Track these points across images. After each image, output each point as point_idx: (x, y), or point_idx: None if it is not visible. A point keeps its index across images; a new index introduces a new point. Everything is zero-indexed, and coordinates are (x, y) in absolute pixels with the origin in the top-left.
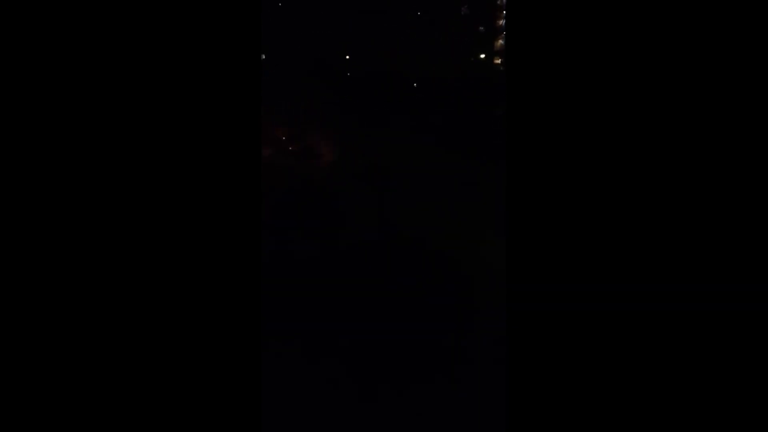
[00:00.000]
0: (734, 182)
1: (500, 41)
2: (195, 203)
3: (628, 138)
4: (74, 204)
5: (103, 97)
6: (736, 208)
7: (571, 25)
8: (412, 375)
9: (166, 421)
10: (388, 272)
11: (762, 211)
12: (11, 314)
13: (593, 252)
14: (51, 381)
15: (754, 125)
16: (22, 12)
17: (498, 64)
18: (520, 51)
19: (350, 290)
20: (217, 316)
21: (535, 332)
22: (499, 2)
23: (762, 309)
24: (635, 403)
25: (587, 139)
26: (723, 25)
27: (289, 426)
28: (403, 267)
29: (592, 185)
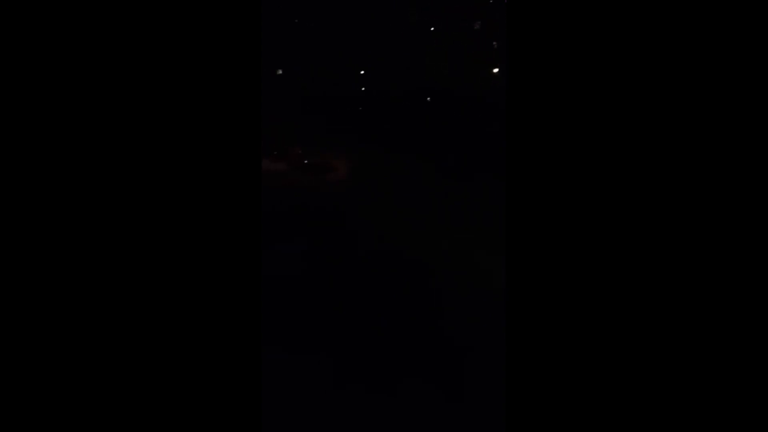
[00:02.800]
0: (735, 192)
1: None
2: (196, 204)
3: (631, 148)
4: (71, 206)
5: (101, 99)
6: (736, 214)
7: (572, 35)
8: (412, 371)
9: (165, 421)
10: (388, 281)
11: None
12: (10, 314)
13: (594, 261)
14: (49, 382)
15: (756, 127)
16: (18, 12)
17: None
18: (521, 61)
19: (351, 295)
20: (217, 316)
21: (535, 335)
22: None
23: (764, 309)
24: (636, 400)
25: (588, 149)
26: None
27: (289, 426)
28: (404, 278)
29: (593, 195)
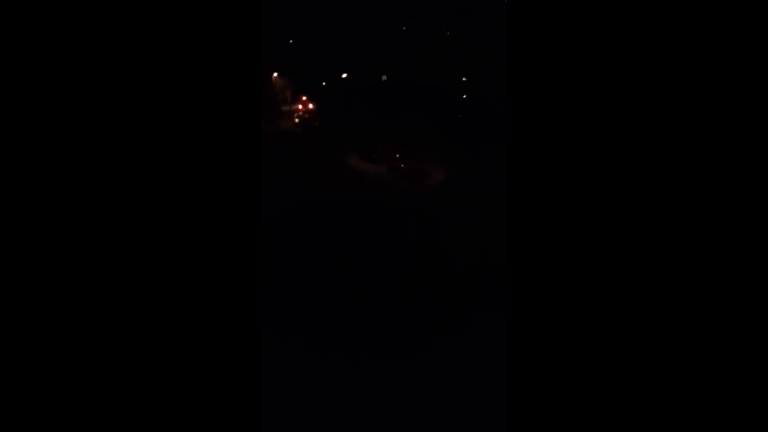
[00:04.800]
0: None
1: None
2: (199, 203)
3: (631, 136)
4: (72, 205)
5: (102, 100)
6: (735, 208)
7: (572, 26)
8: (415, 367)
9: (165, 421)
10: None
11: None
12: (10, 314)
13: (593, 248)
14: (49, 381)
15: (757, 129)
16: (18, 11)
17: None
18: (522, 51)
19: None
20: (217, 315)
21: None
22: None
23: (764, 273)
24: (636, 398)
25: (588, 139)
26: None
27: (289, 425)
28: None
29: (593, 182)
